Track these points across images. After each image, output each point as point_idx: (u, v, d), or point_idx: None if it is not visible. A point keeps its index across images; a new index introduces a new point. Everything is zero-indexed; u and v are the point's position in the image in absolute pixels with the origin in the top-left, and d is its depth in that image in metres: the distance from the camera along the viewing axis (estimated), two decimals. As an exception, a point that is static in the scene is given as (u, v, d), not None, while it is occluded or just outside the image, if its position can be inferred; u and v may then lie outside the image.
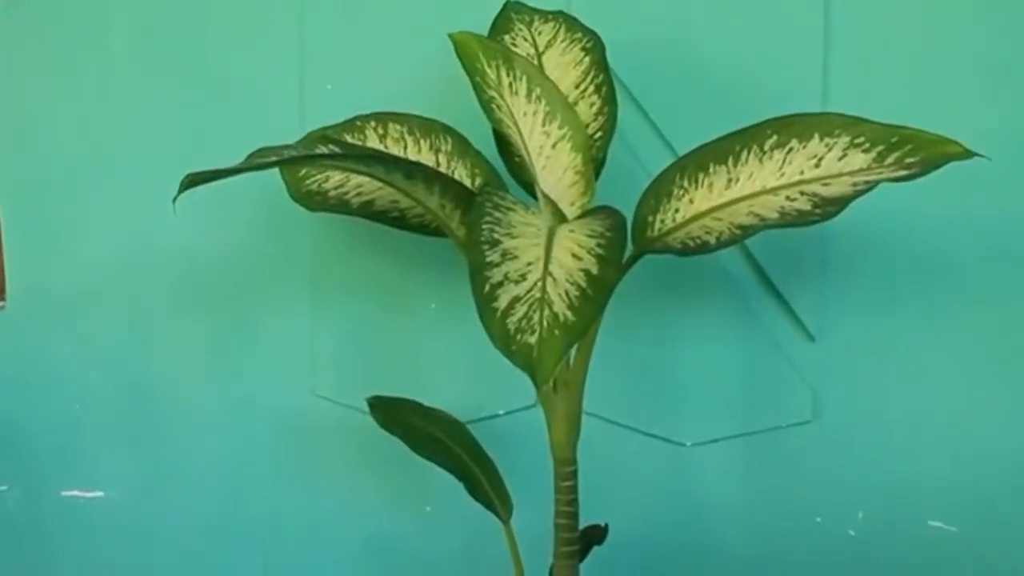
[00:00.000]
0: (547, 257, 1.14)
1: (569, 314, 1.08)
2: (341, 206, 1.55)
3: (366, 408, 1.67)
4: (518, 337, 1.07)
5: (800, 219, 1.23)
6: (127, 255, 1.94)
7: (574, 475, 1.48)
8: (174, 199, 1.21)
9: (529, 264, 1.13)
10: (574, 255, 1.15)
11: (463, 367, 1.84)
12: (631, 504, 1.82)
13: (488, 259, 1.12)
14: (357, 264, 1.86)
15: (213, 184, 1.25)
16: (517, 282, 1.10)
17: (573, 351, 1.44)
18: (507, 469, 1.62)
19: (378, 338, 1.86)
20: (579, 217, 1.34)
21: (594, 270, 1.13)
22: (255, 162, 1.25)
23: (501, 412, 1.83)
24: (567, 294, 1.10)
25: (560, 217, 1.31)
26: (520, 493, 1.59)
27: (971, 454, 1.78)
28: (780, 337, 1.76)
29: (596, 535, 1.64)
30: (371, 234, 1.73)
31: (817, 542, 1.83)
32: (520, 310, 1.09)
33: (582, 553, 1.56)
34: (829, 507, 1.82)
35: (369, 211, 1.55)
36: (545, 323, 1.07)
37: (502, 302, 1.09)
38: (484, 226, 1.16)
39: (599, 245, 1.17)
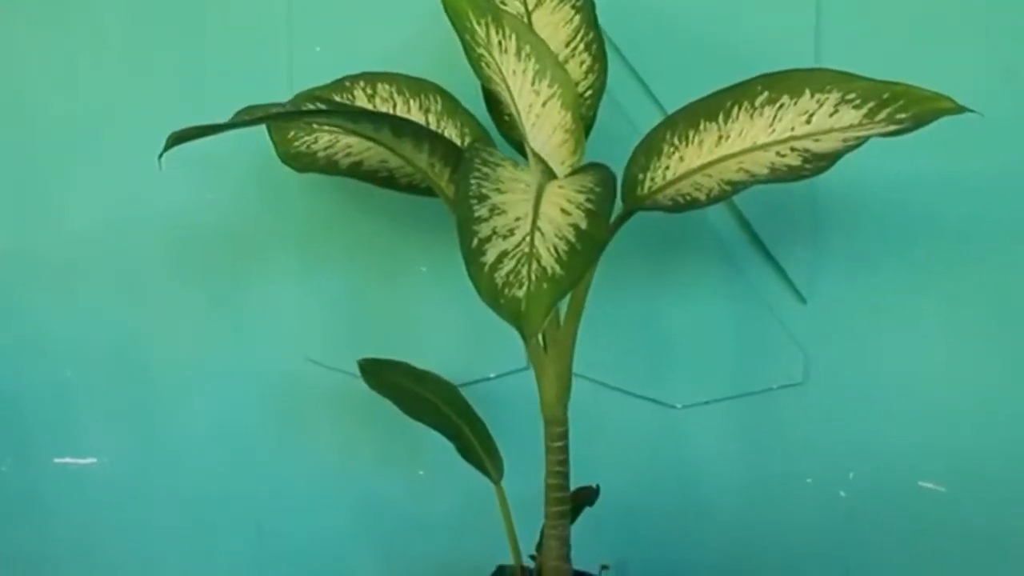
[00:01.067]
0: (536, 212, 1.14)
1: (557, 268, 1.07)
2: (330, 167, 1.54)
3: (357, 372, 1.67)
4: (506, 291, 1.06)
5: (790, 175, 1.23)
6: (116, 219, 1.93)
7: (565, 435, 1.48)
8: (160, 155, 1.20)
9: (517, 219, 1.12)
10: (563, 210, 1.15)
11: (454, 330, 1.84)
12: (622, 466, 1.82)
13: (476, 214, 1.11)
14: (347, 228, 1.85)
15: (202, 147, 1.25)
16: (505, 237, 1.10)
17: (563, 311, 1.44)
18: (498, 432, 1.62)
19: (368, 302, 1.86)
20: (569, 174, 1.33)
21: (583, 225, 1.12)
22: (242, 119, 1.24)
23: (492, 375, 1.83)
24: (556, 249, 1.09)
25: (550, 175, 1.30)
26: (511, 455, 1.59)
27: (962, 415, 1.79)
28: (771, 299, 1.76)
29: (587, 496, 1.64)
30: (361, 197, 1.72)
31: (808, 503, 1.84)
32: (508, 264, 1.08)
33: (573, 514, 1.57)
34: (820, 468, 1.83)
35: (358, 171, 1.54)
36: (533, 277, 1.06)
37: (490, 256, 1.08)
38: (472, 181, 1.15)
39: (588, 200, 1.16)
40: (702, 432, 1.82)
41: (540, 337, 1.45)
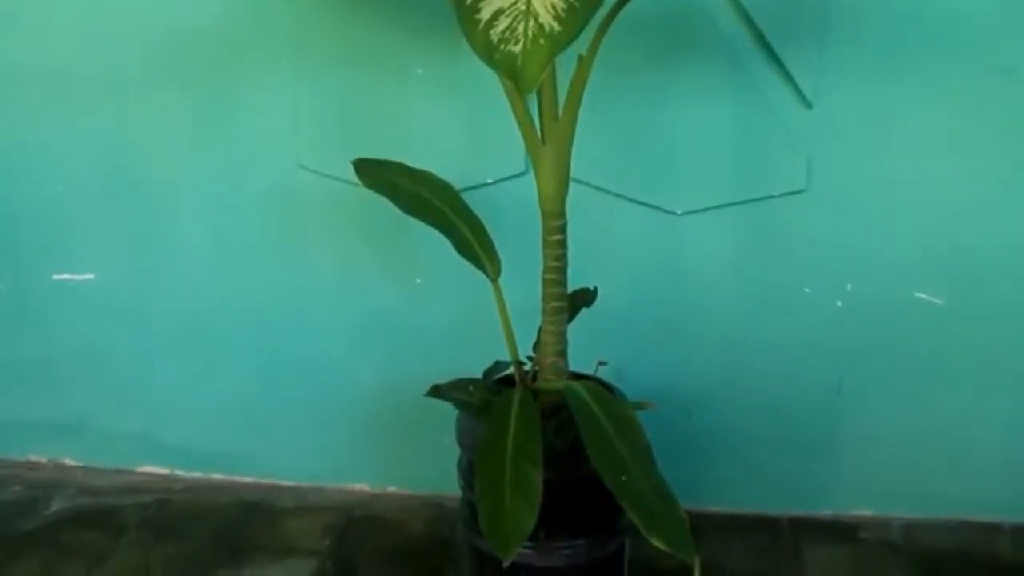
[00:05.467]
0: (532, -27, 1.08)
1: (556, 25, 1.04)
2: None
3: (352, 179, 1.63)
4: (501, 47, 1.03)
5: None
6: (103, 28, 1.85)
7: (563, 230, 1.46)
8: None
9: (512, -20, 1.07)
10: (562, -29, 1.09)
11: (451, 135, 1.80)
12: (620, 271, 1.82)
13: (470, -27, 1.06)
14: (340, 30, 1.78)
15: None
16: (500, -4, 1.05)
17: (562, 105, 1.40)
18: (496, 238, 1.59)
19: (363, 107, 1.81)
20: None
21: (583, -15, 1.07)
22: None
23: (490, 180, 1.80)
24: (553, 7, 1.05)
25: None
26: (509, 262, 1.57)
27: (963, 227, 1.77)
28: (776, 102, 1.71)
29: (585, 298, 1.64)
30: (353, -5, 1.66)
31: (804, 313, 1.84)
32: (503, 22, 1.04)
33: (571, 315, 1.57)
34: (818, 278, 1.82)
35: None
36: (530, 33, 1.03)
37: (485, 14, 1.05)
38: (466, -61, 1.09)
39: (588, -40, 1.10)
40: (701, 239, 1.81)
41: (538, 129, 1.42)
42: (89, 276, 2.05)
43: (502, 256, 1.56)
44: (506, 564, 1.24)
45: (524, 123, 1.40)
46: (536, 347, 1.56)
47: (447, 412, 1.58)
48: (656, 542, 1.20)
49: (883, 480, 1.95)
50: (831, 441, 1.93)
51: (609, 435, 1.31)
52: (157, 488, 2.11)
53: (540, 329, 1.54)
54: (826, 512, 1.97)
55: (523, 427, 1.34)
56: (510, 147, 1.71)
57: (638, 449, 1.30)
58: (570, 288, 1.53)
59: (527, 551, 1.47)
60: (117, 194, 1.96)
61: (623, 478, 1.25)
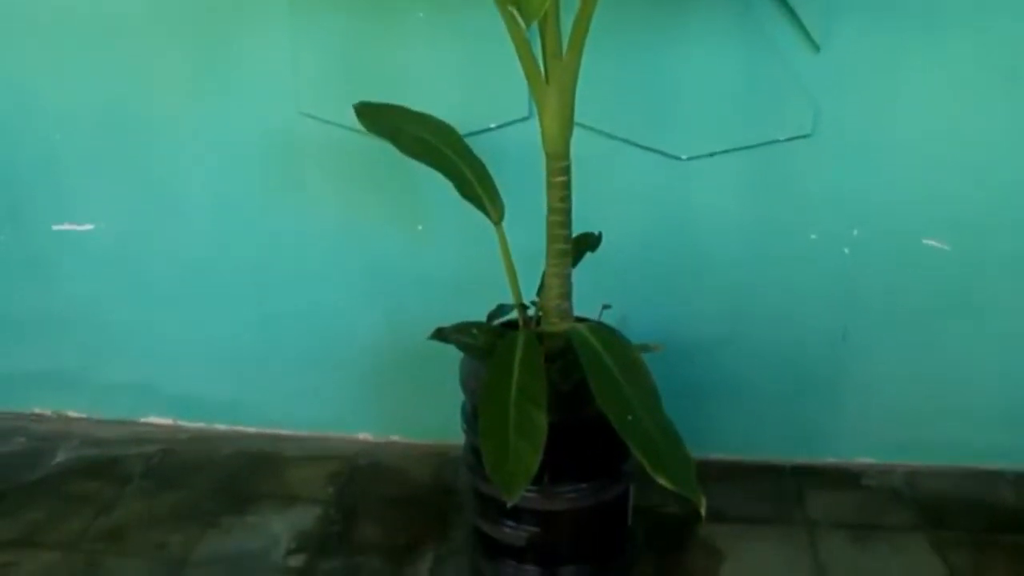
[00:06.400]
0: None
1: (560, -48, 1.01)
2: None
3: (354, 125, 1.61)
4: (505, -25, 0.99)
5: None
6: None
7: (567, 171, 1.45)
8: None
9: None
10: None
11: (454, 80, 1.77)
12: (625, 217, 1.80)
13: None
14: (339, -27, 1.75)
15: None
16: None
17: (566, 44, 1.37)
18: (500, 184, 1.57)
19: (363, 52, 1.78)
20: None
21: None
22: None
23: (493, 125, 1.78)
24: (559, -66, 1.02)
25: None
26: (513, 208, 1.55)
27: (970, 173, 1.75)
28: (783, 46, 1.68)
29: (589, 242, 1.63)
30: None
31: (811, 260, 1.83)
32: (507, -49, 1.01)
33: (575, 259, 1.56)
34: (824, 224, 1.81)
35: None
36: (535, -41, 1.00)
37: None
38: None
39: None
40: (707, 185, 1.79)
41: (542, 69, 1.40)
42: (89, 226, 2.03)
43: (505, 204, 1.54)
44: (510, 505, 1.24)
45: (527, 61, 1.38)
46: (540, 291, 1.55)
47: (451, 359, 1.58)
48: (662, 481, 1.20)
49: (886, 428, 1.95)
50: (835, 389, 1.92)
51: (614, 376, 1.30)
52: (161, 438, 2.12)
53: (544, 273, 1.53)
54: (829, 460, 1.97)
55: (527, 369, 1.33)
56: (513, 92, 1.69)
57: (644, 389, 1.29)
58: (574, 233, 1.52)
59: (531, 495, 1.48)
60: (117, 144, 1.94)
61: (628, 418, 1.24)
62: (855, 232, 1.81)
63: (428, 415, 2.00)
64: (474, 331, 1.50)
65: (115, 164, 1.97)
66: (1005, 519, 1.81)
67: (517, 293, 1.53)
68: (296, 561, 1.71)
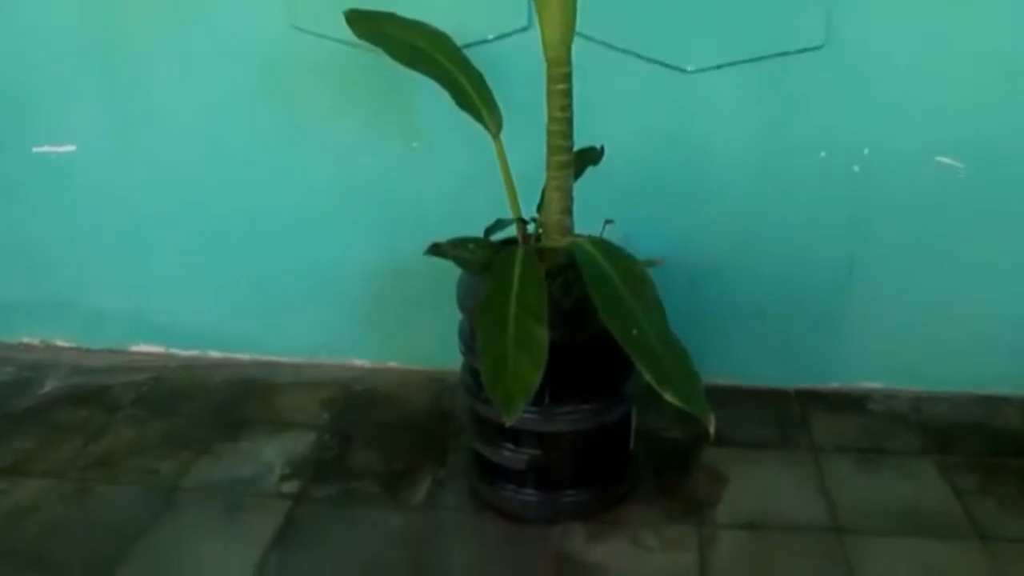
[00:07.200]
0: None
1: None
2: None
3: (347, 38, 1.54)
4: None
5: None
6: None
7: (568, 78, 1.38)
8: None
9: None
10: None
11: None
12: (627, 132, 1.73)
13: None
14: None
15: None
16: None
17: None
18: (498, 98, 1.50)
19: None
20: None
21: None
22: None
23: (491, 36, 1.70)
24: None
25: None
26: (512, 123, 1.48)
27: (988, 88, 1.68)
28: (795, -50, 1.61)
29: (591, 156, 1.56)
30: None
31: (819, 178, 1.77)
32: None
33: (576, 174, 1.49)
34: (835, 141, 1.74)
35: None
36: None
37: None
38: None
39: None
40: (713, 98, 1.72)
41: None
42: (71, 148, 1.96)
43: (505, 111, 1.47)
44: (509, 423, 1.20)
45: (527, -40, 1.30)
46: (540, 207, 1.49)
47: (448, 281, 1.53)
48: (668, 397, 1.15)
49: (893, 353, 1.91)
50: (842, 312, 1.88)
51: (618, 290, 1.25)
52: (151, 366, 2.07)
53: (544, 188, 1.47)
54: (834, 384, 1.93)
55: (527, 283, 1.28)
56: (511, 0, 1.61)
57: (649, 303, 1.24)
58: (576, 148, 1.45)
59: (531, 416, 1.44)
60: (99, 61, 1.87)
61: (633, 332, 1.19)
62: (866, 150, 1.74)
63: (425, 340, 1.95)
64: (471, 246, 1.44)
65: (97, 83, 1.89)
66: (1012, 444, 1.78)
67: (516, 207, 1.47)
68: (290, 487, 1.68)
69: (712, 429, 1.16)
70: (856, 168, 1.75)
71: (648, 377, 1.16)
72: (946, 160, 1.74)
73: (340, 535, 1.55)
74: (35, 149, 1.97)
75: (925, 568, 1.47)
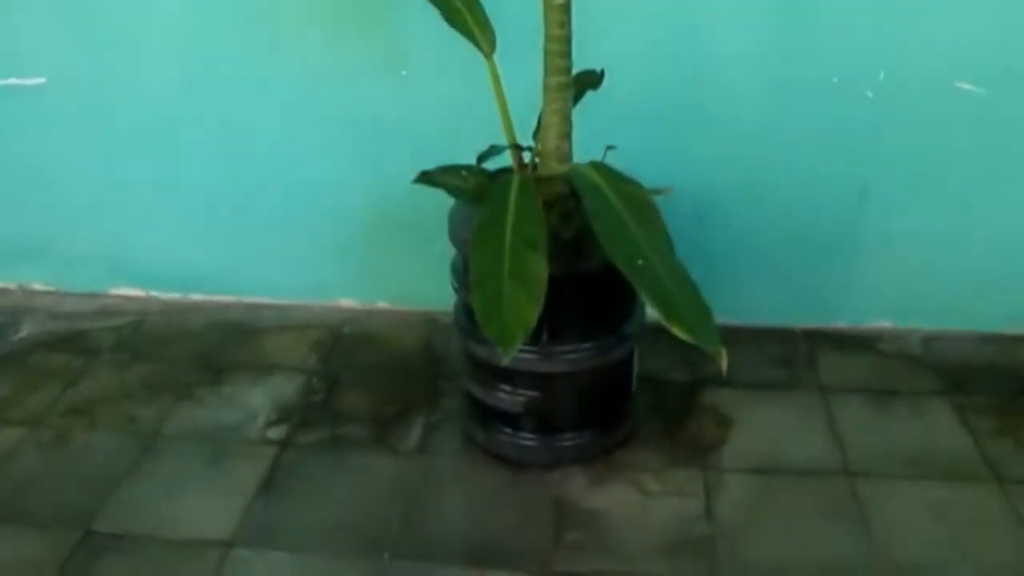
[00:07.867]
0: None
1: None
2: None
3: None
4: None
5: None
6: None
7: (565, -10, 1.28)
8: None
9: None
10: None
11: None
12: (629, 55, 1.63)
13: None
14: None
15: None
16: None
17: None
18: (492, 14, 1.40)
19: None
20: None
21: None
22: None
23: (483, -49, 1.59)
24: None
25: None
26: (506, 47, 1.38)
27: (1011, 10, 1.57)
28: None
29: (591, 80, 1.47)
30: None
31: (831, 105, 1.67)
32: None
33: (576, 99, 1.40)
34: (848, 65, 1.64)
35: None
36: None
37: None
38: None
39: None
40: (721, 23, 1.62)
41: None
42: (40, 80, 1.86)
43: (498, 45, 1.37)
44: (504, 363, 1.12)
45: None
46: (536, 134, 1.40)
47: (440, 215, 1.44)
48: (676, 331, 1.07)
49: (905, 291, 1.83)
50: (852, 248, 1.80)
51: (622, 216, 1.17)
52: (132, 310, 1.99)
53: (541, 112, 1.37)
54: (843, 324, 1.86)
55: (523, 211, 1.19)
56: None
57: (655, 231, 1.16)
58: (575, 72, 1.36)
59: (528, 355, 1.37)
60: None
61: (639, 262, 1.11)
62: (881, 74, 1.65)
63: (417, 280, 1.88)
64: (463, 173, 1.35)
65: (66, 8, 1.78)
66: (1025, 384, 1.72)
67: (511, 132, 1.38)
68: (276, 433, 1.61)
69: (724, 364, 1.08)
70: (870, 93, 1.66)
71: (655, 310, 1.08)
72: (965, 86, 1.65)
73: (328, 482, 1.49)
74: (1, 81, 1.86)
75: (940, 512, 1.41)
